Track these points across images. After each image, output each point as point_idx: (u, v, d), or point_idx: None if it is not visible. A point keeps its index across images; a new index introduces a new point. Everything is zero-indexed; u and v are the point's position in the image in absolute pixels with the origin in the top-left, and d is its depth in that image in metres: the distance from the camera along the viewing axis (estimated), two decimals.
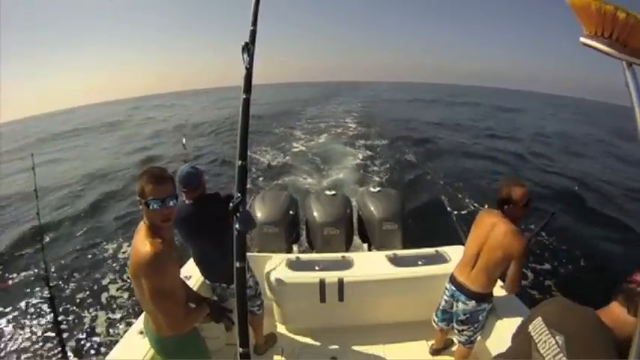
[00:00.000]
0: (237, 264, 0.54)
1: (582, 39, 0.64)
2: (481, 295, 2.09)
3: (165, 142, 16.24)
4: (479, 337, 2.29)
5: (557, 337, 1.06)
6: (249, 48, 0.61)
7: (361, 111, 24.72)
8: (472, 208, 7.43)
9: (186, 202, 2.17)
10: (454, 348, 2.51)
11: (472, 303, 2.11)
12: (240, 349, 0.54)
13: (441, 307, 2.35)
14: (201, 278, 2.51)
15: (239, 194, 0.58)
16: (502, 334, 2.24)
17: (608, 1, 0.56)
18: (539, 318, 1.14)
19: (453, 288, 2.20)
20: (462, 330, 2.22)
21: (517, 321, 2.17)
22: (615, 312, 1.08)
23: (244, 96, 0.60)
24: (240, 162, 0.58)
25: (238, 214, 0.59)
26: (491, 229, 2.02)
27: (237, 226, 0.58)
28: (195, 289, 2.45)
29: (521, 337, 1.17)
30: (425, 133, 16.66)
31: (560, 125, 24.25)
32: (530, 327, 1.15)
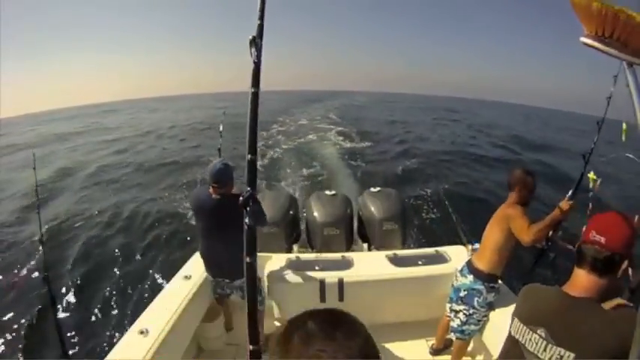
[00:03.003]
0: (247, 259, 0.53)
1: (582, 39, 0.64)
2: (479, 272, 2.18)
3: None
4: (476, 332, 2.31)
5: (538, 331, 1.06)
6: (256, 42, 0.61)
7: (349, 115, 24.64)
8: (472, 208, 7.42)
9: (214, 196, 2.28)
10: (453, 347, 2.52)
11: (470, 277, 2.22)
12: (251, 347, 0.53)
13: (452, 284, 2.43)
14: (203, 276, 2.52)
15: (249, 188, 0.58)
16: (498, 329, 2.25)
17: (609, 2, 0.56)
18: (516, 319, 1.16)
19: (464, 264, 2.32)
20: (458, 311, 2.28)
21: None
22: (582, 280, 1.05)
23: (253, 90, 0.60)
24: (249, 156, 0.58)
25: (248, 209, 0.59)
26: (497, 214, 2.21)
27: (246, 220, 0.58)
28: (196, 287, 2.46)
29: (509, 342, 1.18)
30: (418, 134, 16.79)
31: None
32: (512, 331, 1.16)
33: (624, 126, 1.75)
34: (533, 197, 2.17)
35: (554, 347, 1.02)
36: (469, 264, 2.28)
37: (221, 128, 3.66)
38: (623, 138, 1.74)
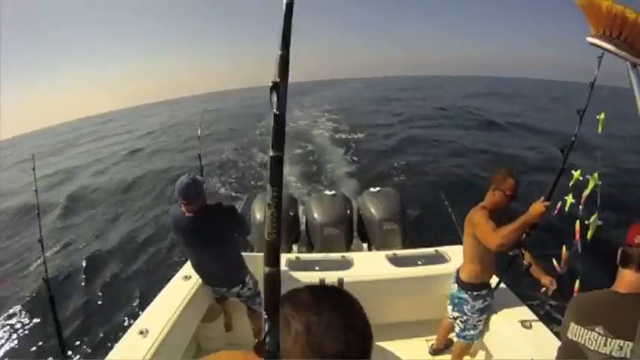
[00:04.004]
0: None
1: (589, 38, 0.64)
2: (461, 282, 2.20)
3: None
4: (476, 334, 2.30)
5: (596, 329, 1.16)
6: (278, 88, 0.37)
7: (342, 108, 23.95)
8: (472, 206, 7.38)
9: (186, 214, 2.13)
10: (454, 348, 2.52)
11: (455, 287, 2.24)
12: None
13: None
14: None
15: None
16: (499, 329, 2.25)
17: (618, 2, 0.56)
18: (572, 323, 1.25)
19: (455, 272, 2.32)
20: (455, 318, 2.29)
21: (514, 318, 2.19)
22: (630, 279, 1.19)
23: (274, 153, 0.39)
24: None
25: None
26: (465, 220, 2.17)
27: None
28: (196, 287, 2.45)
29: (568, 345, 1.26)
30: (413, 122, 16.76)
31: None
32: (570, 335, 1.25)
33: (602, 115, 1.54)
34: (514, 200, 2.00)
35: (613, 340, 1.12)
36: (457, 272, 2.27)
37: (199, 132, 3.28)
38: (600, 129, 1.55)
